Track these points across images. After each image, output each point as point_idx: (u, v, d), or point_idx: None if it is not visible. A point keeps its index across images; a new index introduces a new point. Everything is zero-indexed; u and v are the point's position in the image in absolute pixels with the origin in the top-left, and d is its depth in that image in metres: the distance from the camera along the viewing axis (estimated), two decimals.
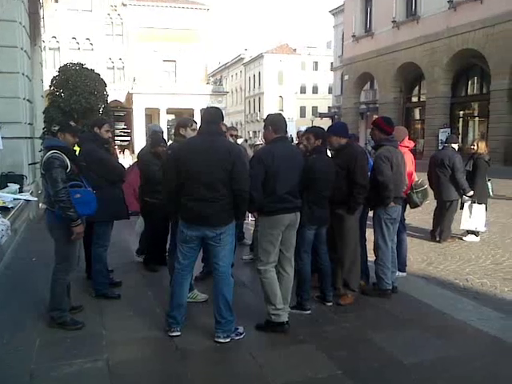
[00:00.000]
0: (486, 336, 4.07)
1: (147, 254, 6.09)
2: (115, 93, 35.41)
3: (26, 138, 10.08)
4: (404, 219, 5.84)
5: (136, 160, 6.88)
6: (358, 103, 33.96)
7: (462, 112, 27.37)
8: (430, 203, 7.06)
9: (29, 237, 7.64)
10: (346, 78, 34.27)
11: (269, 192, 3.96)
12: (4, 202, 6.80)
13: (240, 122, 67.52)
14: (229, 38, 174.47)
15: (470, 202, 7.60)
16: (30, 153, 10.65)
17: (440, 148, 11.87)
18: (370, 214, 5.21)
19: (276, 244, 4.08)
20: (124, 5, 40.96)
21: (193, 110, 36.54)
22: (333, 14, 41.82)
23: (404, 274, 5.68)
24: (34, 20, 12.48)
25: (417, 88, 30.05)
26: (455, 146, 7.72)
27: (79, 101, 10.87)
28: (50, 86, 11.73)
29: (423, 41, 25.83)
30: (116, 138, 16.29)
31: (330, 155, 4.91)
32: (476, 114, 26.92)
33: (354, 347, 3.86)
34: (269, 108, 59.53)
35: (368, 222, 5.26)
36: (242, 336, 3.94)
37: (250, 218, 7.62)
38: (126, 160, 15.96)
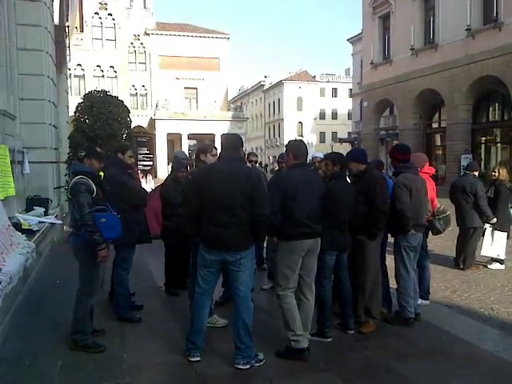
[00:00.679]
0: None
1: (167, 278, 6.12)
2: (138, 119, 36.23)
3: (51, 162, 10.33)
4: (427, 246, 5.79)
5: (158, 184, 7.00)
6: (378, 129, 33.91)
7: (483, 138, 27.09)
8: (453, 230, 6.97)
9: (53, 259, 7.76)
10: (365, 104, 34.35)
11: (287, 217, 3.98)
12: (30, 225, 6.93)
13: (260, 148, 67.98)
14: (249, 64, 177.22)
15: (491, 228, 7.49)
16: (56, 177, 10.89)
17: (461, 175, 11.77)
18: (391, 240, 5.17)
19: (295, 269, 4.07)
20: (147, 34, 42.15)
21: (214, 135, 37.05)
22: (351, 43, 42.30)
23: (427, 301, 5.59)
24: (59, 49, 12.92)
25: (437, 114, 29.93)
26: (476, 173, 7.68)
27: (103, 127, 11.08)
28: (75, 113, 12.01)
29: (442, 68, 25.84)
30: (139, 162, 16.54)
31: (349, 181, 4.92)
32: (498, 140, 26.61)
33: (376, 377, 3.80)
34: (288, 133, 59.94)
35: (388, 249, 5.21)
36: (261, 362, 3.91)
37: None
38: (149, 184, 16.17)
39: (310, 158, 7.35)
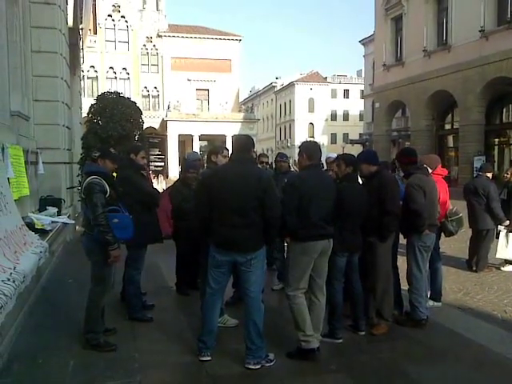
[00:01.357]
0: None
1: (178, 278, 6.15)
2: (150, 120, 36.47)
3: (64, 163, 10.45)
4: (439, 248, 5.75)
5: (169, 185, 7.04)
6: (390, 130, 33.76)
7: (496, 140, 26.84)
8: (466, 232, 6.91)
9: (65, 259, 7.84)
10: (377, 105, 34.21)
11: (303, 218, 3.97)
12: (43, 225, 7.01)
13: (271, 149, 67.99)
14: (261, 66, 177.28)
15: (505, 231, 7.42)
16: (68, 177, 11.02)
17: (474, 176, 11.67)
18: (402, 241, 5.14)
19: (307, 271, 4.07)
20: (159, 36, 42.40)
21: (225, 136, 37.13)
22: (363, 44, 42.17)
23: (439, 304, 5.55)
24: (73, 51, 13.07)
25: (450, 115, 29.72)
26: (489, 175, 7.61)
27: (116, 128, 11.18)
28: (88, 114, 12.12)
29: (455, 69, 25.65)
30: (151, 163, 16.63)
31: (360, 182, 4.91)
32: (511, 142, 26.37)
33: (387, 379, 3.78)
34: (299, 135, 59.95)
35: (400, 250, 5.19)
36: (272, 363, 3.91)
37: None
38: (161, 185, 16.25)
39: (324, 159, 7.36)
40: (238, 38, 44.79)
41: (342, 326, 4.49)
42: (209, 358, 3.95)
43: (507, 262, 7.54)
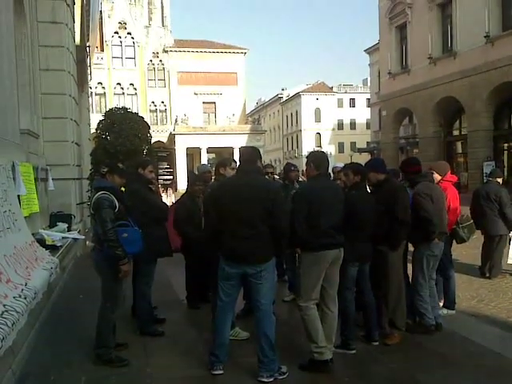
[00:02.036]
0: None
1: (189, 292, 6.14)
2: (158, 134, 36.77)
3: (74, 179, 10.52)
4: (451, 255, 5.69)
5: (178, 198, 7.07)
6: (397, 138, 33.67)
7: (506, 144, 26.63)
8: (478, 238, 6.84)
9: (76, 274, 7.86)
10: (384, 113, 34.18)
11: (313, 227, 3.95)
12: (53, 241, 7.04)
13: (279, 159, 68.09)
14: (267, 78, 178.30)
15: None
16: (78, 193, 11.09)
17: (484, 182, 11.58)
18: (410, 248, 5.10)
19: (318, 281, 4.03)
20: (165, 51, 42.88)
21: (232, 148, 37.25)
22: (368, 53, 42.30)
23: (453, 311, 5.48)
24: (81, 68, 13.24)
25: (457, 121, 29.61)
26: (499, 180, 7.55)
27: (124, 143, 11.28)
28: (97, 130, 12.26)
29: (461, 75, 25.60)
30: (159, 177, 16.71)
31: (369, 191, 4.89)
32: None
33: None
34: (307, 145, 60.03)
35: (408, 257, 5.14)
36: (285, 375, 3.87)
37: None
38: (169, 198, 16.29)
39: (330, 168, 7.36)
40: (243, 51, 45.17)
41: (354, 337, 4.44)
42: (221, 372, 3.92)
43: None
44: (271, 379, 3.78)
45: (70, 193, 10.08)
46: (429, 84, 28.12)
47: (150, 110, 42.11)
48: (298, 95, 65.07)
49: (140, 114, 13.49)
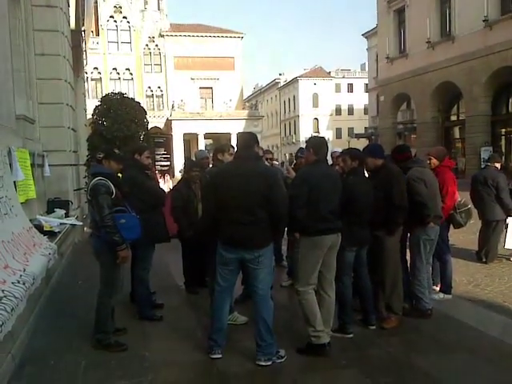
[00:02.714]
0: None
1: (186, 277, 6.16)
2: (155, 120, 36.53)
3: (70, 165, 10.48)
4: (448, 240, 5.71)
5: (175, 185, 7.06)
6: (395, 123, 33.61)
7: (503, 130, 26.62)
8: (475, 223, 6.87)
9: (74, 260, 7.88)
10: (382, 98, 34.07)
11: (312, 211, 3.96)
12: (51, 227, 7.03)
13: (276, 145, 67.91)
14: (264, 62, 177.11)
15: None
16: (75, 179, 11.05)
17: (482, 167, 11.60)
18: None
19: (317, 266, 4.05)
20: (161, 36, 42.41)
21: (230, 134, 37.06)
22: (366, 38, 41.97)
23: (449, 296, 5.52)
24: (76, 53, 13.09)
25: (455, 107, 29.55)
26: (498, 165, 7.55)
27: (121, 129, 11.22)
28: (93, 115, 12.17)
29: (460, 60, 25.48)
30: (156, 163, 16.68)
31: (366, 176, 4.89)
32: None
33: (399, 373, 3.77)
34: (304, 130, 59.86)
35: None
36: (283, 359, 3.91)
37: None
38: (167, 184, 16.26)
39: (329, 154, 7.33)
40: (240, 36, 44.70)
41: (352, 321, 4.48)
42: (220, 356, 3.96)
43: None
44: (269, 363, 3.82)
45: (67, 179, 10.05)
46: (427, 69, 28.01)
47: (147, 96, 41.76)
48: (295, 80, 64.66)
49: (136, 100, 13.39)
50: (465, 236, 8.73)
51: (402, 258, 5.01)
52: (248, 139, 4.08)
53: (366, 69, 48.57)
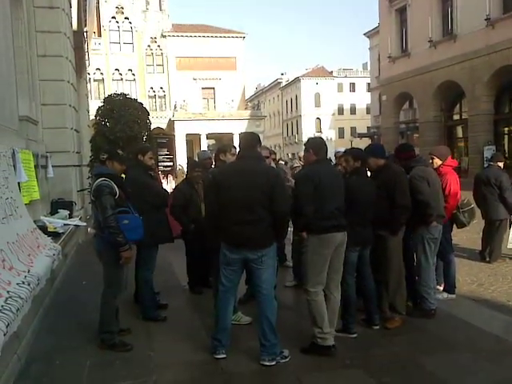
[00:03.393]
0: None
1: (190, 277, 6.18)
2: (157, 120, 36.54)
3: (74, 165, 10.51)
4: (451, 239, 5.71)
5: (177, 185, 7.08)
6: (398, 123, 33.56)
7: (506, 128, 26.56)
8: (478, 223, 6.86)
9: (78, 261, 7.90)
10: (384, 98, 34.02)
11: (319, 209, 3.94)
12: (55, 228, 7.07)
13: (278, 145, 67.91)
14: (266, 62, 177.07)
15: None
16: (79, 180, 11.09)
17: (485, 166, 11.57)
18: None
19: (326, 264, 4.03)
20: (163, 36, 42.44)
21: (232, 134, 37.10)
22: (368, 37, 41.89)
23: (453, 295, 5.52)
24: (78, 54, 13.14)
25: (458, 106, 29.48)
26: (501, 165, 7.53)
27: (124, 129, 11.27)
28: (96, 116, 12.22)
29: (462, 59, 25.43)
30: (159, 163, 16.72)
31: (369, 176, 4.89)
32: None
33: (404, 372, 3.76)
34: (306, 130, 59.81)
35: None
36: (287, 359, 3.91)
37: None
38: (170, 185, 16.26)
39: (333, 154, 7.31)
40: (242, 36, 44.70)
41: (355, 321, 4.48)
42: (224, 356, 3.96)
43: None
44: (273, 363, 3.82)
45: (71, 180, 10.08)
46: (429, 68, 27.95)
47: (149, 96, 41.81)
48: (297, 80, 64.64)
49: (139, 100, 13.42)
50: (468, 235, 8.73)
51: (404, 257, 5.00)
52: (250, 139, 4.09)
53: (368, 68, 48.51)
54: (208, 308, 4.92)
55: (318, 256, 4.01)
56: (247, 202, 3.77)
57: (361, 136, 44.44)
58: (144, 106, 12.97)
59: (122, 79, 41.60)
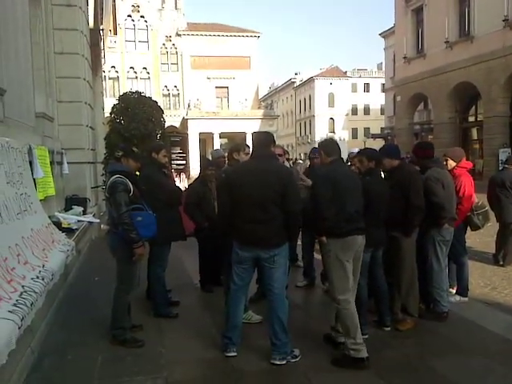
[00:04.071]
0: None
1: (202, 275, 6.20)
2: (171, 119, 36.68)
3: (88, 162, 10.62)
4: (465, 242, 5.66)
5: (190, 183, 7.11)
6: (412, 124, 33.30)
7: None
8: (492, 225, 6.79)
9: (91, 257, 7.98)
10: (399, 98, 33.78)
11: (339, 211, 3.83)
12: (69, 224, 7.14)
13: (291, 145, 67.78)
14: (280, 62, 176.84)
15: None
16: (93, 177, 11.19)
17: (500, 169, 11.44)
18: None
19: (350, 268, 3.90)
20: (178, 35, 42.62)
21: (245, 133, 37.13)
22: (383, 37, 41.62)
23: (466, 299, 5.47)
24: (94, 52, 13.24)
25: (473, 107, 29.17)
26: None
27: (138, 127, 11.32)
28: (111, 114, 12.30)
29: (478, 60, 25.15)
30: (172, 162, 16.81)
31: (383, 176, 4.86)
32: None
33: (415, 375, 3.74)
34: (320, 130, 59.64)
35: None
36: (297, 358, 3.91)
37: None
38: (183, 183, 16.36)
39: (346, 154, 7.27)
40: (257, 35, 44.72)
41: (367, 322, 4.45)
42: (234, 354, 3.98)
43: None
44: (284, 362, 3.83)
45: (85, 176, 10.18)
46: (445, 69, 27.69)
47: (163, 95, 42.03)
48: (311, 80, 64.44)
49: (153, 98, 13.49)
50: (482, 238, 8.64)
51: (417, 258, 4.96)
52: (264, 139, 4.09)
53: (383, 68, 48.17)
54: (219, 306, 4.94)
55: (341, 260, 3.87)
56: (260, 201, 3.78)
57: (374, 137, 44.14)
58: (158, 104, 13.02)
59: (136, 77, 41.88)
